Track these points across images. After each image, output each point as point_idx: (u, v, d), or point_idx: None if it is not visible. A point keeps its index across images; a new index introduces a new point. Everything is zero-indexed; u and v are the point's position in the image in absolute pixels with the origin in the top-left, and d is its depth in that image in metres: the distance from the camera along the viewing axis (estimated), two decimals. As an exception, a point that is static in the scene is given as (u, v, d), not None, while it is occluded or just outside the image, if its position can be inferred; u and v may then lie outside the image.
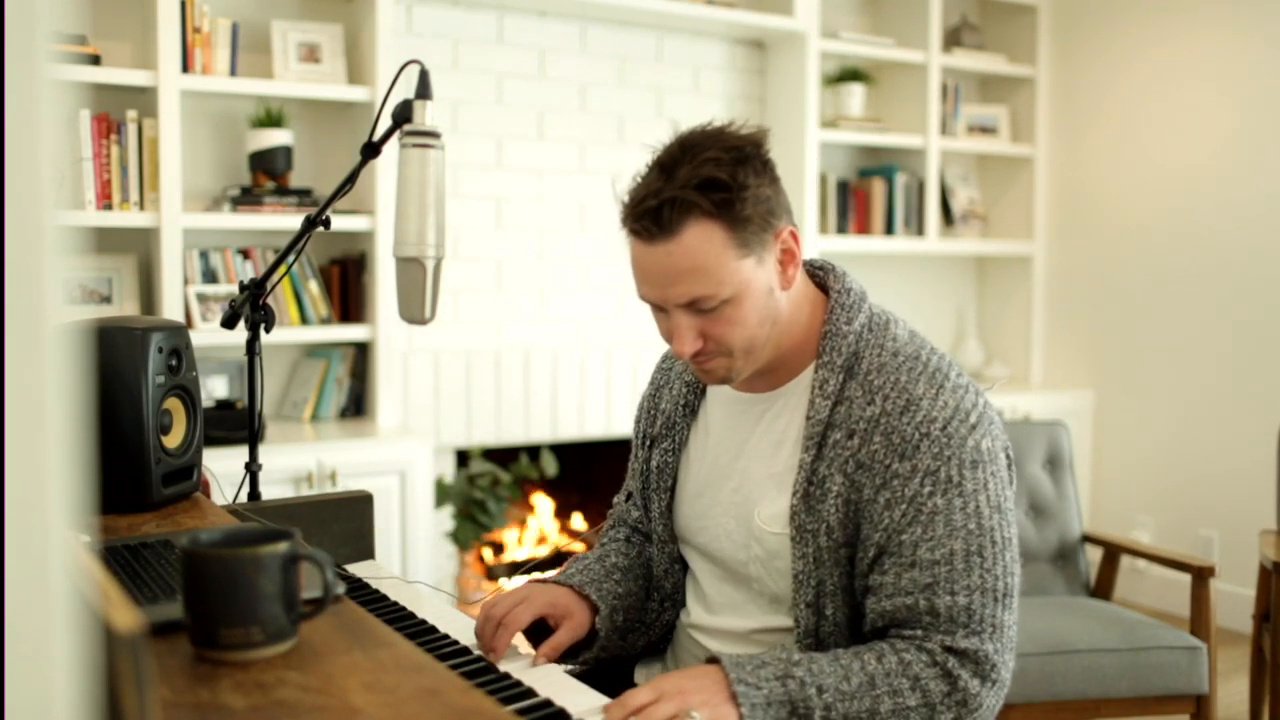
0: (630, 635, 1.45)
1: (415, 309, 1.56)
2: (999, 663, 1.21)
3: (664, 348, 1.67)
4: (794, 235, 1.27)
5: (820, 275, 1.37)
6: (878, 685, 1.16)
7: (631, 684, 1.44)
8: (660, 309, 1.27)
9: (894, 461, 1.23)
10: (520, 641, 1.34)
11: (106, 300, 2.97)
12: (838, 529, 1.25)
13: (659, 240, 1.20)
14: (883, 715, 1.16)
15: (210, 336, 2.93)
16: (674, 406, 1.46)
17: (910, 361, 1.28)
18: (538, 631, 1.37)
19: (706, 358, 1.27)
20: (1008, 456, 1.30)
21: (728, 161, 1.20)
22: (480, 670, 1.23)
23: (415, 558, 2.97)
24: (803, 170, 3.87)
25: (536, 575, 1.49)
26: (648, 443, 1.50)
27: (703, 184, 1.18)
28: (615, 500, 1.61)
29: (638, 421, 1.55)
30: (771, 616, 1.34)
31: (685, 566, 1.48)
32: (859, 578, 1.26)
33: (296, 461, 2.83)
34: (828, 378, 1.28)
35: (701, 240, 1.19)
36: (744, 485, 1.35)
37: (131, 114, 2.89)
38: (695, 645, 1.42)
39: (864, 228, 4.19)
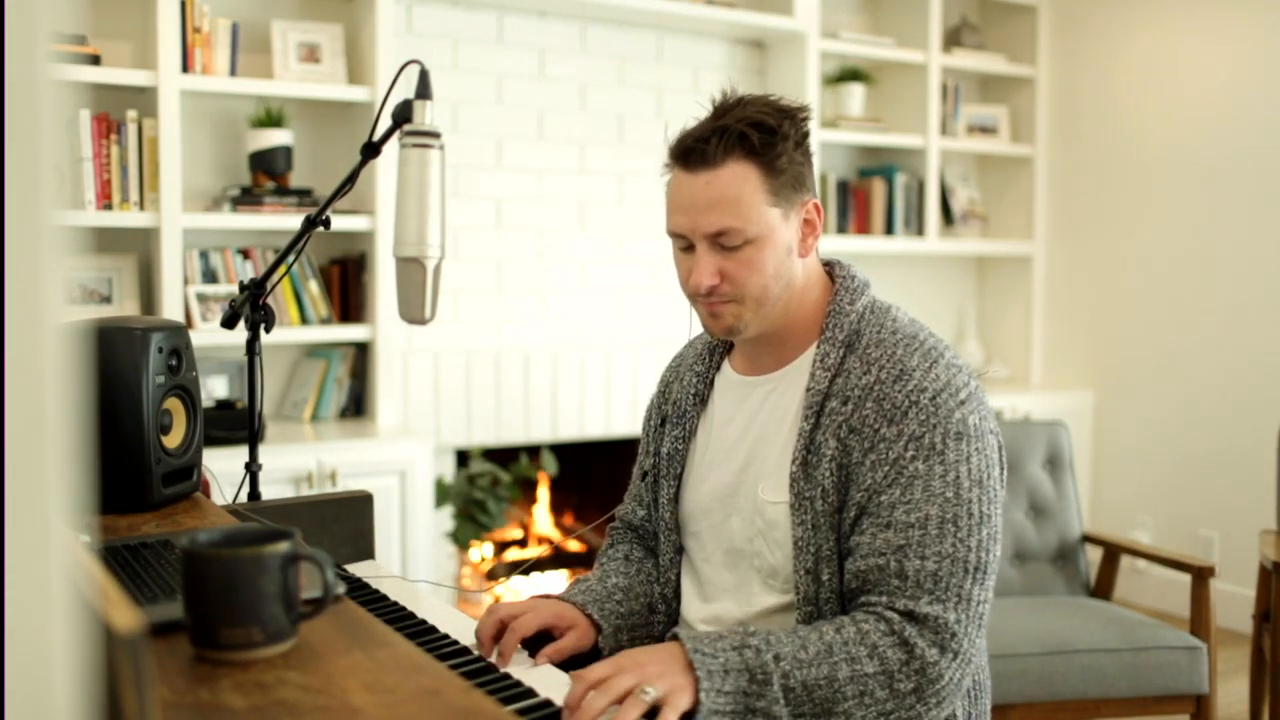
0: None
1: (415, 309, 1.56)
2: (960, 633, 1.21)
3: (669, 352, 1.69)
4: (818, 209, 1.37)
5: (828, 268, 1.44)
6: (835, 653, 1.18)
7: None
8: (686, 248, 1.34)
9: (883, 426, 1.27)
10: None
11: (106, 300, 2.97)
12: (831, 492, 1.28)
13: (701, 170, 1.30)
14: (841, 682, 1.17)
15: (210, 336, 2.93)
16: (684, 395, 1.50)
17: (908, 340, 1.34)
18: (538, 643, 1.37)
19: (720, 299, 1.33)
20: (998, 441, 1.32)
21: (775, 115, 1.32)
22: (480, 670, 1.23)
23: (415, 558, 2.97)
24: (803, 170, 3.86)
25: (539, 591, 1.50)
26: (659, 429, 1.53)
27: (752, 124, 1.29)
28: (616, 515, 1.62)
29: (647, 420, 1.58)
30: (766, 594, 1.36)
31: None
32: (842, 540, 1.29)
33: (296, 461, 2.83)
34: (829, 351, 1.34)
35: (739, 177, 1.29)
36: (750, 464, 1.38)
37: (131, 114, 2.89)
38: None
39: (864, 228, 4.19)
